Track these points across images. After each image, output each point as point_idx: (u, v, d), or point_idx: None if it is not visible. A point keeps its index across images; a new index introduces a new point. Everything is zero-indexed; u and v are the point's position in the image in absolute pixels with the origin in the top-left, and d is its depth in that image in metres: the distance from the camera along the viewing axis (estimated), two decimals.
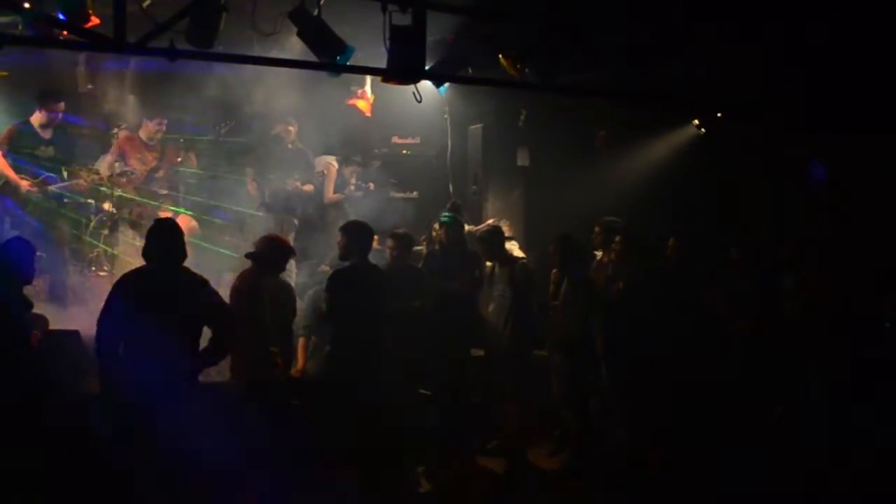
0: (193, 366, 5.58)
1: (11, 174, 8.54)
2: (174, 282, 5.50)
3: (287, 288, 7.48)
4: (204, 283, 5.63)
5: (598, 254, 8.31)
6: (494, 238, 8.00)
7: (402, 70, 6.58)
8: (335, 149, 10.70)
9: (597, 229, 8.30)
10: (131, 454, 5.33)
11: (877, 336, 6.94)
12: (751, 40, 7.56)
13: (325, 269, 8.35)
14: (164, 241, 5.54)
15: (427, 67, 6.77)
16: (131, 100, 9.94)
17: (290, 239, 9.74)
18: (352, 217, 8.56)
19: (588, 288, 7.55)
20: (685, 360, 7.09)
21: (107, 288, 8.20)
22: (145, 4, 6.49)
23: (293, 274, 9.70)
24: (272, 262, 6.76)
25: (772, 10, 7.13)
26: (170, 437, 5.24)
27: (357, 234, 6.98)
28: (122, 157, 9.55)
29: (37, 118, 8.71)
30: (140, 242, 6.19)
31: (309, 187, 10.09)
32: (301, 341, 7.47)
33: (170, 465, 5.31)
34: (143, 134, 9.72)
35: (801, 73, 7.79)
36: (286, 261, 7.03)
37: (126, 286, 5.49)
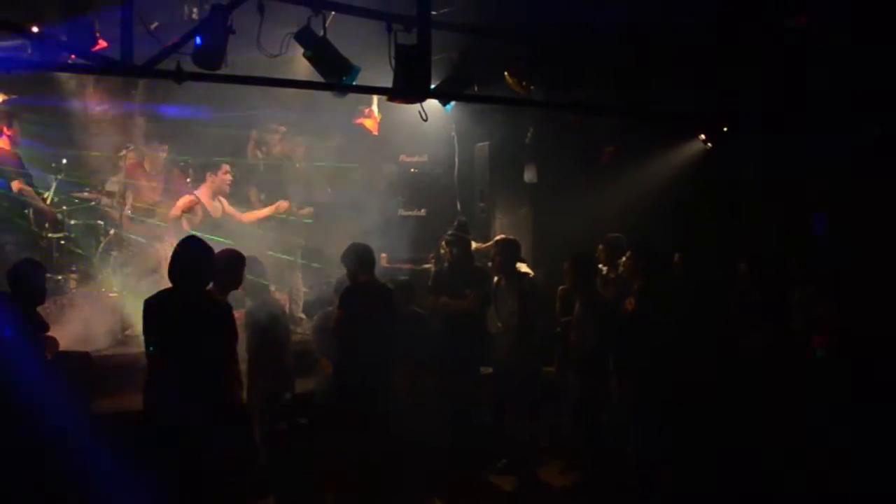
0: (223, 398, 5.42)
1: None
2: (194, 310, 5.35)
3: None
4: (221, 312, 5.52)
5: (603, 269, 8.31)
6: (512, 248, 8.02)
7: (407, 89, 6.59)
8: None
9: (601, 246, 8.30)
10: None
11: (885, 349, 6.90)
12: (756, 53, 7.57)
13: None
14: (185, 263, 5.38)
15: (433, 86, 6.78)
16: (140, 122, 9.97)
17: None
18: None
19: (601, 306, 7.54)
20: (697, 376, 7.07)
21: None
22: (153, 27, 6.54)
23: (300, 294, 9.74)
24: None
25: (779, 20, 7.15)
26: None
27: (356, 257, 6.97)
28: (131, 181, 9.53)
29: None
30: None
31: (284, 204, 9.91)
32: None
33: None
34: (147, 164, 9.71)
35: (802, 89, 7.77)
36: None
37: (148, 312, 5.36)
